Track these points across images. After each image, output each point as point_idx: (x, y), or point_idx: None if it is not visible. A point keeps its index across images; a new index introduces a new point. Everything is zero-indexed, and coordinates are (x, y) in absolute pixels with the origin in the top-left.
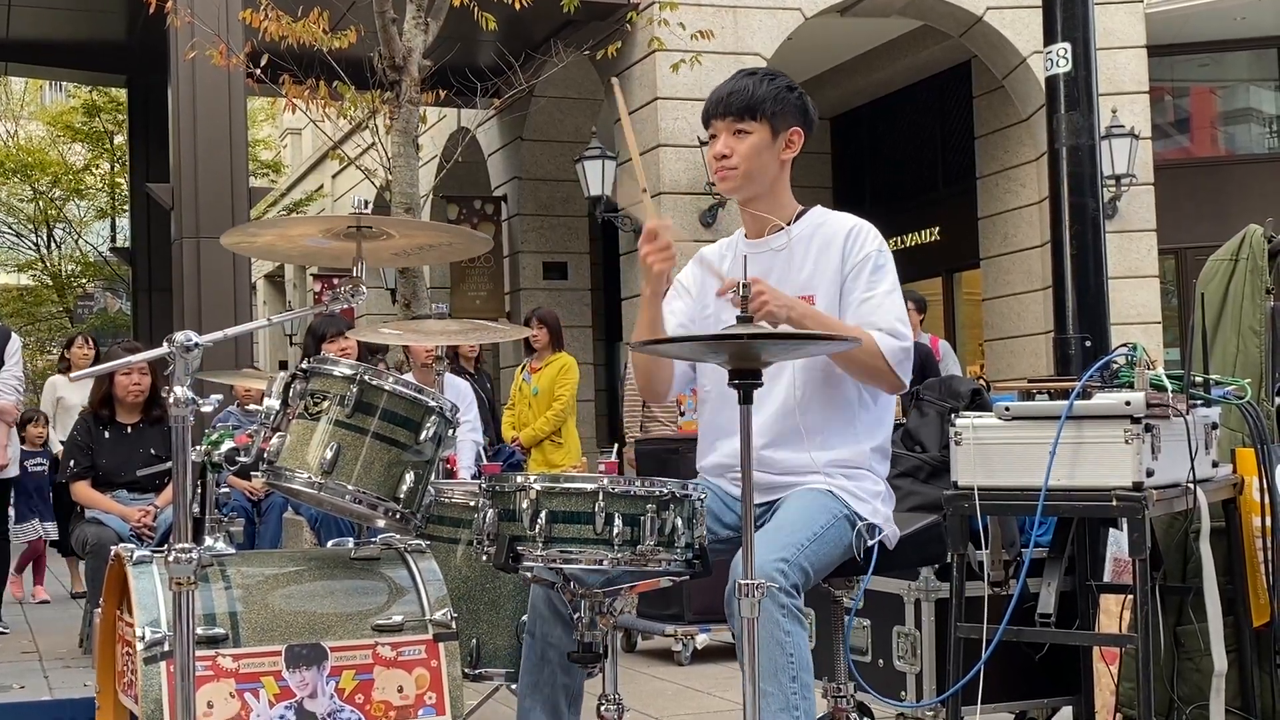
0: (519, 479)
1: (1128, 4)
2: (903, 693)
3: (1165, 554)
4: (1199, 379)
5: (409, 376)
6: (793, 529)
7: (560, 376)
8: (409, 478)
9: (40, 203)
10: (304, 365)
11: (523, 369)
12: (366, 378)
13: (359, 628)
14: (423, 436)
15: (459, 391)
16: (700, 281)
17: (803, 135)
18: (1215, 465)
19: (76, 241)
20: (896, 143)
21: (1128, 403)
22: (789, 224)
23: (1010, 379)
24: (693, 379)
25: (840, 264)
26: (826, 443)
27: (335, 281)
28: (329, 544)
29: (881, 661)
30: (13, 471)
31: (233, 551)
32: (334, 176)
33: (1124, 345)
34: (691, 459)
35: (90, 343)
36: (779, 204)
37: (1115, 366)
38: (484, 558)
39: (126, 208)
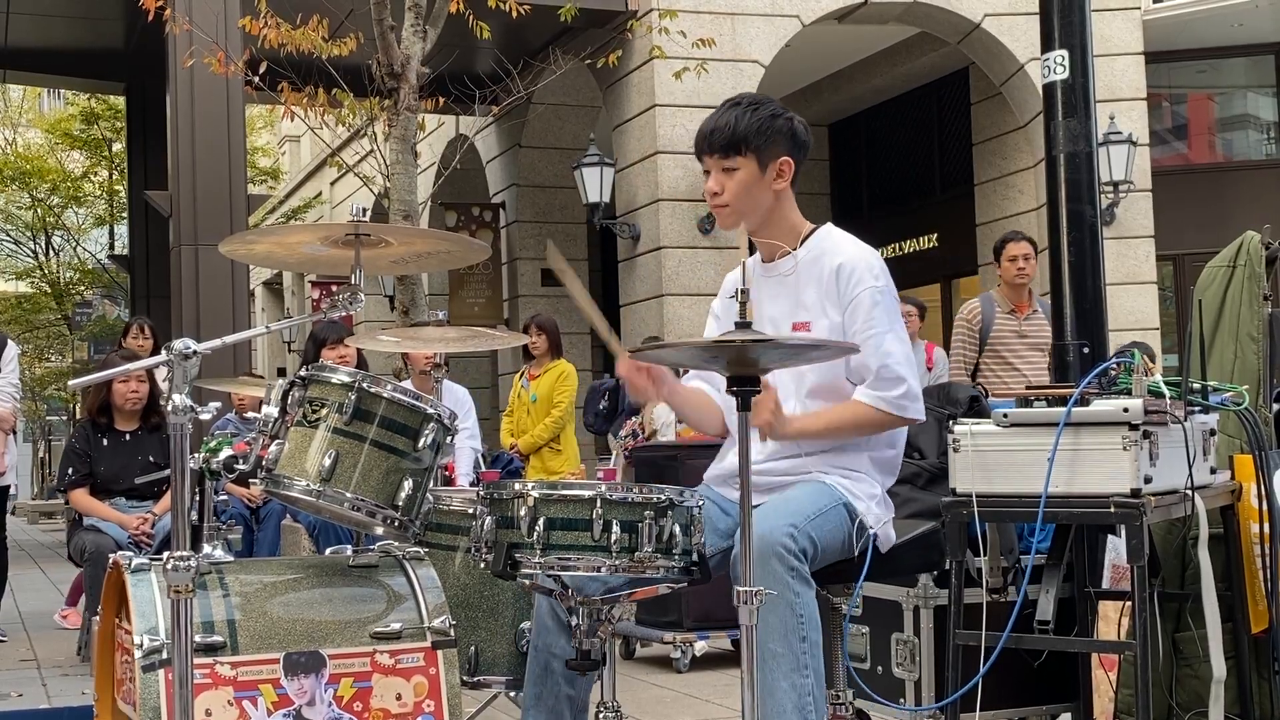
0: (517, 486)
1: (1125, 10)
2: (901, 699)
3: (1164, 560)
4: (1197, 385)
5: (408, 383)
6: (797, 503)
7: (559, 383)
8: (407, 485)
9: (39, 210)
10: (302, 372)
11: (521, 376)
12: (364, 385)
13: (357, 635)
14: (421, 444)
15: (457, 398)
16: (728, 309)
17: (793, 163)
18: (1213, 471)
19: (75, 249)
20: (894, 149)
21: (1126, 409)
22: (797, 246)
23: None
24: None
25: (837, 299)
26: (826, 455)
27: (334, 288)
28: (327, 551)
29: (880, 668)
30: (9, 479)
31: (231, 559)
32: (332, 183)
33: (1131, 344)
34: (689, 466)
35: (146, 330)
36: (785, 228)
37: (1113, 373)
38: (482, 565)
39: (125, 215)
